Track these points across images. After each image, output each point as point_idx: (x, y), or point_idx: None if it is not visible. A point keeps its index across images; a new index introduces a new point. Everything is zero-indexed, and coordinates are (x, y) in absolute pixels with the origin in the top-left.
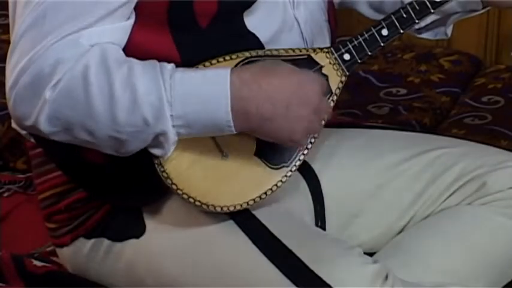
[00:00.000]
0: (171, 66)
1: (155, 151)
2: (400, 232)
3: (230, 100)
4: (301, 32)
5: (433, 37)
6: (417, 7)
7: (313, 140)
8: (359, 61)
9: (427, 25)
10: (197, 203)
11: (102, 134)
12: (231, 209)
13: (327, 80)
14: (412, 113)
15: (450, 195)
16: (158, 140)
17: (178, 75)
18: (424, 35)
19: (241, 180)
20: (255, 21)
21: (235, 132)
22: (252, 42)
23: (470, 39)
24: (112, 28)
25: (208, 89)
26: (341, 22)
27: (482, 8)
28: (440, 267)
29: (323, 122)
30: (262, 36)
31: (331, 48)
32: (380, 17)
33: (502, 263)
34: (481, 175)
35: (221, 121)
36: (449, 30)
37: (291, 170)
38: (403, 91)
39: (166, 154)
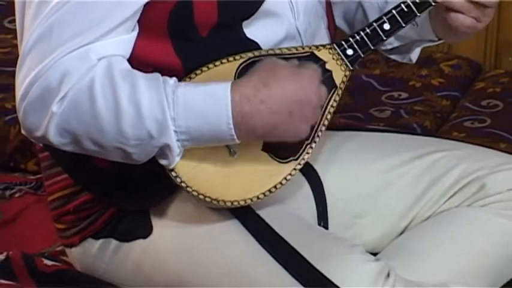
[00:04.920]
0: (173, 81)
1: (160, 161)
2: (401, 233)
3: (232, 115)
4: (302, 42)
5: (401, 60)
6: (417, 0)
7: (320, 133)
8: (362, 55)
9: (394, 48)
10: (207, 199)
11: (109, 146)
12: (242, 203)
13: (331, 75)
14: (413, 117)
15: (450, 197)
16: (163, 151)
17: (181, 91)
18: (393, 56)
19: (251, 175)
20: (255, 31)
21: (239, 143)
22: (254, 49)
23: (470, 44)
24: (117, 41)
25: (209, 106)
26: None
27: (438, 40)
28: (441, 267)
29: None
30: (264, 46)
31: (334, 45)
32: (350, 31)
33: (501, 263)
34: (480, 177)
35: (224, 135)
36: (413, 56)
37: (299, 163)
38: (404, 95)
39: (170, 164)
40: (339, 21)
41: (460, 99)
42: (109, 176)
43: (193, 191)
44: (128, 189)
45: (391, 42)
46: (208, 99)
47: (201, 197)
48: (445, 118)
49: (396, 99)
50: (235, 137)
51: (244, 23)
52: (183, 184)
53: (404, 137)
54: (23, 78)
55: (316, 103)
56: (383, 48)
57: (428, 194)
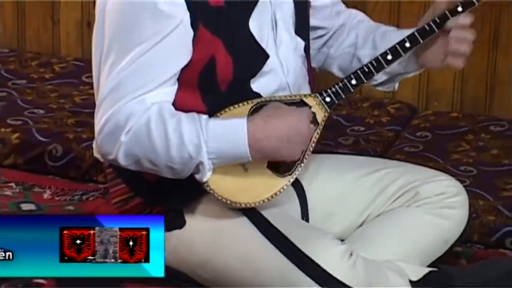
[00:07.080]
0: (205, 116)
1: (196, 176)
2: (360, 226)
3: (248, 141)
4: (290, 91)
5: (386, 89)
6: (375, 64)
7: (307, 156)
8: (336, 102)
9: (381, 82)
10: (228, 202)
11: (162, 165)
12: (252, 205)
13: (314, 116)
14: (368, 144)
15: (394, 200)
16: (198, 167)
17: (211, 123)
18: (379, 88)
19: (258, 186)
20: (258, 85)
21: (251, 160)
22: (258, 97)
23: (408, 93)
24: (165, 91)
25: (232, 134)
26: (317, 81)
27: (420, 68)
28: (387, 249)
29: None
30: (264, 95)
31: (317, 94)
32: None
33: (430, 247)
34: (415, 186)
35: (242, 155)
36: (396, 85)
37: (292, 177)
38: (362, 128)
39: (202, 178)
40: (336, 71)
41: (401, 132)
42: (154, 186)
43: (218, 195)
44: (168, 195)
45: (380, 78)
46: (231, 129)
47: (223, 200)
48: (391, 145)
49: (357, 132)
50: (249, 156)
51: (251, 80)
52: (211, 191)
53: (363, 158)
54: (100, 118)
55: (307, 134)
56: (374, 83)
57: (378, 198)
